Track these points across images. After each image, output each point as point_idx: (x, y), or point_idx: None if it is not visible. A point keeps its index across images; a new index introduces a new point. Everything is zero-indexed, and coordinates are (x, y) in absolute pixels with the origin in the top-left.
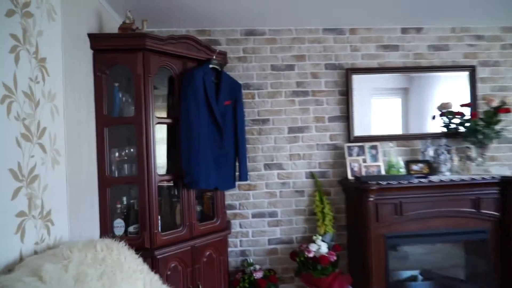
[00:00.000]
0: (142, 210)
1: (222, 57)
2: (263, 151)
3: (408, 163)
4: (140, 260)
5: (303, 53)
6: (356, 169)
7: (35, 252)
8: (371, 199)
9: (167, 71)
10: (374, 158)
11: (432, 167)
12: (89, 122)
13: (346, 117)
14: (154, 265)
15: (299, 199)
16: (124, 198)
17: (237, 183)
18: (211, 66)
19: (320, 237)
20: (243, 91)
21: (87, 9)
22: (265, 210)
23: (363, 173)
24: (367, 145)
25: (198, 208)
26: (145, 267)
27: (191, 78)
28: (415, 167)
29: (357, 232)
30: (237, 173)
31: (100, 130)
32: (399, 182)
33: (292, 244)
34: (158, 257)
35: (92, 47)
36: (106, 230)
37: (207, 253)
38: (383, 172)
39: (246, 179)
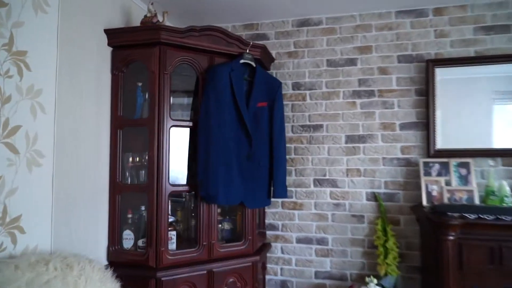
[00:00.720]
0: (149, 223)
1: (260, 51)
2: (313, 163)
3: None
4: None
5: (368, 43)
6: (435, 193)
7: None
8: (451, 237)
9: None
10: (464, 180)
11: None
12: (99, 123)
13: (425, 124)
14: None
15: (357, 226)
16: (142, 207)
17: (278, 200)
18: (242, 61)
19: (375, 281)
20: (292, 92)
21: (109, 5)
22: (313, 236)
23: (446, 200)
24: (453, 161)
25: (227, 226)
26: None
27: (214, 75)
28: None
29: (430, 281)
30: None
31: (113, 132)
32: (499, 218)
33: (345, 282)
34: (163, 279)
35: (109, 44)
36: (114, 241)
37: (230, 280)
38: (476, 201)
39: (283, 196)
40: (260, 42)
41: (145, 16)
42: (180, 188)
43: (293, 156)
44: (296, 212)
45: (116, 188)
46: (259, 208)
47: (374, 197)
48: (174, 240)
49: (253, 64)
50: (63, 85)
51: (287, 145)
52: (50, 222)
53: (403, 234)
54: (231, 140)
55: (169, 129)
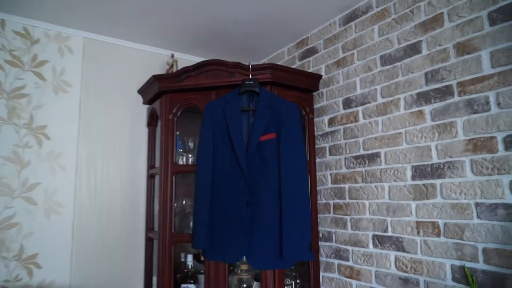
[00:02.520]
0: (158, 270)
1: (270, 71)
2: (370, 211)
3: None
4: None
5: (437, 11)
6: None
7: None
8: None
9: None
10: None
11: None
12: (133, 174)
13: None
14: None
15: None
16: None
17: (334, 261)
18: (245, 90)
19: None
20: (344, 112)
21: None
22: None
23: None
24: None
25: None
26: None
27: (206, 113)
28: None
29: None
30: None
31: (149, 180)
32: None
33: None
34: None
35: (144, 102)
36: (148, 284)
37: None
38: None
39: (296, 257)
40: (310, 58)
41: (167, 68)
42: (183, 237)
43: (347, 200)
44: (354, 282)
45: (171, 238)
46: (271, 269)
47: (464, 275)
48: None
49: (257, 90)
50: (86, 146)
51: (341, 185)
52: (69, 261)
53: None
54: (226, 185)
55: (172, 176)
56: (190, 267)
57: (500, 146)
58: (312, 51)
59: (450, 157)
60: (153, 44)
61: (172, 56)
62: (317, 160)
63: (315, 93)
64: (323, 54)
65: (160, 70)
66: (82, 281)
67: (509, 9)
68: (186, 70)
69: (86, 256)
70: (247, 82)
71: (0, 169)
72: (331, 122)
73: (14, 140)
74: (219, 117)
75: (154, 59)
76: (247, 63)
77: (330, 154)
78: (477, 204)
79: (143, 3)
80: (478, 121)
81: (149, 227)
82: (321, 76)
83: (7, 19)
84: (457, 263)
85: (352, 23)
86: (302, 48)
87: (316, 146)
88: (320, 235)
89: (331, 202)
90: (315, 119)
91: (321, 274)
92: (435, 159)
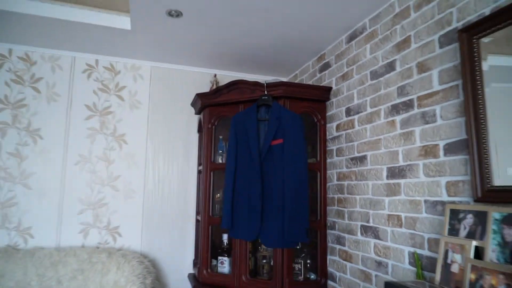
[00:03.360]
0: (197, 245)
1: (283, 87)
2: (360, 205)
3: None
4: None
5: (407, 32)
6: (455, 269)
7: (97, 247)
8: None
9: None
10: (508, 249)
11: None
12: (184, 170)
13: (475, 141)
14: None
15: None
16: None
17: (335, 246)
18: (261, 103)
19: None
20: (345, 119)
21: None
22: None
23: (467, 285)
24: (494, 213)
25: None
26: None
27: (232, 123)
28: None
29: None
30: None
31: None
32: None
33: None
34: None
35: (195, 113)
36: (196, 256)
37: None
38: None
39: (295, 240)
40: (326, 71)
41: (210, 86)
42: (215, 220)
43: (345, 195)
44: (347, 264)
45: (207, 221)
46: (279, 248)
47: (414, 258)
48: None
49: (270, 103)
50: (150, 149)
51: (342, 182)
52: (140, 233)
53: None
54: (246, 180)
55: (210, 172)
56: (225, 244)
57: (441, 153)
58: (327, 65)
59: (410, 160)
60: (201, 66)
61: (215, 76)
62: (328, 160)
63: (328, 102)
64: (334, 68)
65: (207, 86)
66: (149, 249)
67: (452, 34)
68: (219, 89)
69: (152, 231)
70: (263, 97)
71: (95, 165)
72: (337, 128)
73: (104, 145)
74: (242, 126)
75: (202, 78)
76: (272, 79)
77: (336, 155)
78: (425, 201)
79: (192, 38)
80: (428, 131)
81: (197, 212)
82: (331, 88)
83: (100, 59)
84: (412, 249)
85: (353, 42)
86: (320, 63)
87: (327, 148)
88: (328, 224)
89: (336, 196)
90: (328, 125)
91: (328, 257)
92: (401, 162)
